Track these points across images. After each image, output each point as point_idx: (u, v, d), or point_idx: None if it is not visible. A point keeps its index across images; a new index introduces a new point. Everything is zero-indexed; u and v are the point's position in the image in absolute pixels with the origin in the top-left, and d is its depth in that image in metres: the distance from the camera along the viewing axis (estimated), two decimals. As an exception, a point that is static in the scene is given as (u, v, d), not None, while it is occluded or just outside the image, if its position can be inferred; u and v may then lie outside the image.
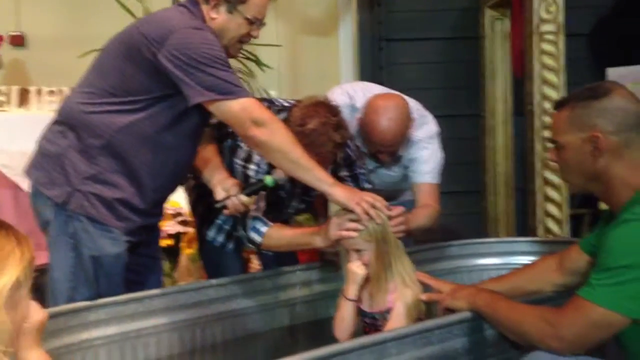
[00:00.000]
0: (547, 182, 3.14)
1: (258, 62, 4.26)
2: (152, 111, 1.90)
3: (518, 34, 3.43)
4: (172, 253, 3.32)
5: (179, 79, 1.82)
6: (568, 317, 1.52)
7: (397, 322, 1.83)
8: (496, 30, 4.04)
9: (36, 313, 1.22)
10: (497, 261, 2.50)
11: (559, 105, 1.70)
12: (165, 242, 3.17)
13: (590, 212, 3.90)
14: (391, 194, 2.62)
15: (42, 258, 2.56)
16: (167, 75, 1.83)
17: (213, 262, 2.39)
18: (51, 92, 4.00)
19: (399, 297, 1.86)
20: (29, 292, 1.18)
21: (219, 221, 2.31)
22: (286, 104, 2.21)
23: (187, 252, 3.40)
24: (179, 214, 3.31)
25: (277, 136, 1.86)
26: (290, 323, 2.22)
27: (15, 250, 1.11)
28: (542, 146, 3.12)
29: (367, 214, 1.86)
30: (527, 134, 3.26)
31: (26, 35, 5.63)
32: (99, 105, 1.89)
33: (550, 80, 3.19)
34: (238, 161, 2.11)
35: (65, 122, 1.93)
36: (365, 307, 1.92)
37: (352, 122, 2.42)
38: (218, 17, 1.94)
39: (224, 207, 2.01)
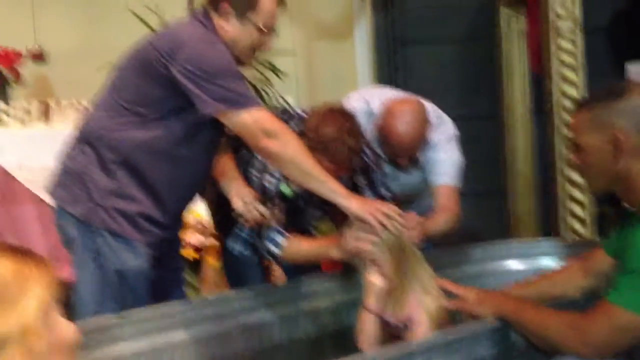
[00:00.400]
0: (569, 181, 3.10)
1: (274, 70, 4.26)
2: (167, 124, 1.92)
3: (534, 30, 3.40)
4: (195, 264, 3.34)
5: (191, 91, 1.83)
6: (595, 322, 1.51)
7: (420, 331, 1.82)
8: (512, 28, 4.00)
9: (66, 329, 1.23)
10: (521, 263, 2.48)
11: (579, 106, 1.69)
12: (189, 254, 3.19)
13: (615, 210, 3.85)
14: (410, 199, 2.62)
15: (67, 272, 2.61)
16: (180, 88, 1.85)
17: (234, 271, 2.41)
18: (72, 105, 4.04)
19: (420, 305, 1.85)
20: (58, 311, 1.19)
21: (237, 231, 2.32)
22: (301, 113, 2.22)
23: (211, 263, 3.41)
24: (201, 225, 3.32)
25: (289, 147, 1.86)
26: (315, 333, 2.22)
27: (35, 273, 1.11)
28: (563, 145, 3.09)
29: (382, 224, 1.85)
30: (547, 132, 3.23)
31: (45, 49, 5.71)
32: (115, 120, 1.91)
33: (569, 77, 3.15)
34: (254, 172, 2.12)
35: (84, 138, 1.96)
36: (388, 317, 1.92)
37: (369, 127, 2.42)
38: (229, 27, 1.95)
39: (242, 216, 2.02)
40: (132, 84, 1.91)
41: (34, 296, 1.09)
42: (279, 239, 2.07)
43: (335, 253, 2.00)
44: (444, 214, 2.33)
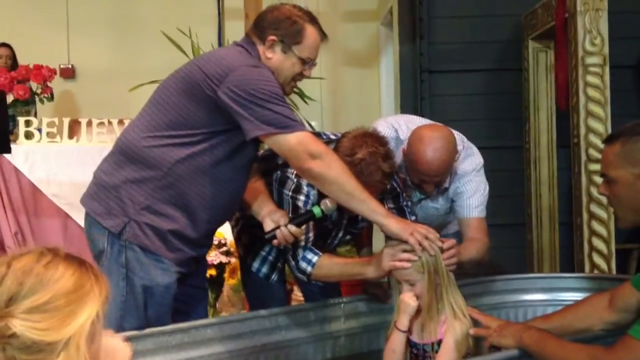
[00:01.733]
0: (593, 216, 3.09)
1: (301, 95, 4.31)
2: (209, 145, 1.95)
3: (562, 66, 3.41)
4: (215, 283, 3.35)
5: (238, 114, 1.88)
6: (618, 356, 1.49)
7: (446, 356, 1.82)
8: (540, 61, 4.02)
9: (123, 349, 1.26)
10: (543, 297, 2.45)
11: (610, 139, 1.69)
12: (207, 272, 3.21)
13: (638, 247, 3.81)
14: (435, 228, 2.61)
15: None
16: (227, 110, 1.90)
17: (256, 293, 2.41)
18: (101, 124, 4.11)
19: (449, 330, 1.85)
20: (103, 326, 1.22)
21: (263, 252, 2.33)
22: (332, 137, 2.25)
23: (230, 282, 3.43)
24: (222, 245, 3.35)
25: (333, 168, 1.90)
26: (332, 356, 2.21)
27: (94, 287, 1.15)
28: (589, 179, 3.08)
29: (421, 245, 1.87)
30: (573, 167, 3.22)
31: (76, 68, 5.84)
32: (159, 138, 1.95)
33: (596, 112, 3.16)
34: (287, 192, 2.14)
35: (123, 153, 1.99)
36: (415, 338, 1.92)
37: (397, 153, 2.44)
38: (273, 56, 2.01)
39: (273, 237, 2.04)
40: (178, 105, 1.95)
41: (87, 310, 1.13)
42: (313, 257, 2.09)
43: (370, 272, 2.01)
44: (475, 243, 2.32)
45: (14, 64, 5.02)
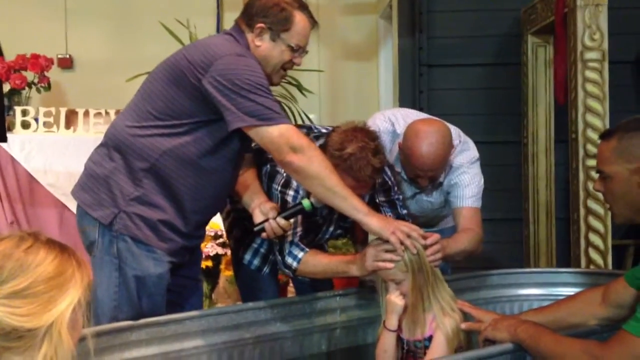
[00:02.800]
0: (590, 212, 3.08)
1: (299, 87, 4.30)
2: (195, 135, 1.94)
3: (561, 61, 3.40)
4: (211, 275, 3.35)
5: (221, 104, 1.86)
6: (613, 352, 1.49)
7: (437, 351, 1.82)
8: (538, 56, 4.01)
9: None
10: (539, 292, 2.46)
11: (605, 135, 1.68)
12: (203, 264, 3.21)
13: (634, 243, 3.81)
14: (430, 222, 2.61)
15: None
16: (211, 100, 1.87)
17: (248, 285, 2.41)
18: (98, 114, 4.09)
19: (439, 326, 1.84)
20: (84, 313, 1.21)
21: (255, 245, 2.33)
22: (324, 130, 2.23)
23: (226, 274, 3.42)
24: (218, 236, 3.34)
25: (314, 163, 1.88)
26: (328, 349, 2.21)
27: (76, 274, 1.14)
28: (586, 175, 3.08)
29: (403, 243, 1.86)
30: (571, 162, 3.22)
31: (74, 58, 5.81)
32: (145, 128, 1.94)
33: (594, 108, 3.15)
34: (276, 187, 2.13)
35: (111, 144, 1.98)
36: (406, 335, 1.91)
37: (393, 148, 2.43)
38: (262, 44, 1.99)
39: (262, 230, 2.03)
40: (164, 94, 1.94)
41: (69, 296, 1.12)
42: (299, 253, 2.08)
43: (354, 271, 2.00)
44: (466, 233, 2.31)
45: None
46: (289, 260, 2.08)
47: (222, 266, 3.40)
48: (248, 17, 2.00)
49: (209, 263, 3.29)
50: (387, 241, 1.89)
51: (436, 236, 1.97)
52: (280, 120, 1.88)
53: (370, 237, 2.59)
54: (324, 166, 1.89)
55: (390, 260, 1.87)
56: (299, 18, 2.00)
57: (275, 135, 1.87)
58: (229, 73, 1.86)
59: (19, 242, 1.13)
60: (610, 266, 3.09)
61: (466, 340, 1.87)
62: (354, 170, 1.99)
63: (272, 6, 1.98)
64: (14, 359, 1.09)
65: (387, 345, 1.90)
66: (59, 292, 1.11)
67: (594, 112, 3.15)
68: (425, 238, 1.91)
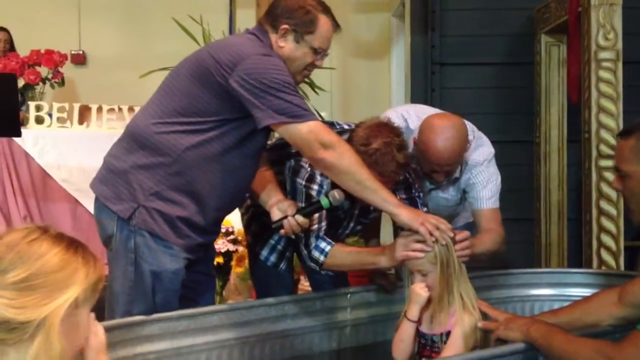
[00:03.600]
0: (602, 212, 3.07)
1: (312, 85, 4.30)
2: (219, 132, 1.95)
3: (574, 60, 3.39)
4: (222, 271, 3.36)
5: (250, 102, 1.88)
6: (626, 352, 1.49)
7: (454, 348, 1.82)
8: (552, 56, 3.99)
9: (99, 333, 1.23)
10: (551, 292, 2.45)
11: (624, 133, 1.68)
12: (215, 260, 3.22)
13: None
14: (446, 219, 2.60)
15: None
16: (238, 98, 1.89)
17: (264, 281, 2.41)
18: (111, 110, 4.12)
19: (458, 322, 1.85)
20: (90, 313, 1.19)
21: (272, 241, 2.33)
22: (346, 127, 2.24)
23: (237, 270, 3.43)
24: (229, 233, 3.35)
25: (344, 158, 1.90)
26: (338, 347, 2.22)
27: (79, 271, 1.13)
28: (599, 176, 3.06)
29: (432, 235, 1.87)
30: (583, 163, 3.20)
31: (87, 54, 5.85)
32: (168, 125, 1.95)
33: (607, 108, 3.13)
34: (301, 181, 2.13)
35: (133, 139, 1.99)
36: (425, 328, 1.92)
37: (407, 143, 2.42)
38: (285, 45, 2.00)
39: (280, 227, 2.04)
40: (189, 91, 1.95)
41: (67, 293, 1.10)
42: (326, 247, 2.09)
43: (383, 262, 2.02)
44: (490, 234, 2.32)
45: (11, 48, 5.05)
46: (316, 253, 2.09)
47: (232, 263, 3.42)
48: (272, 18, 2.02)
49: (220, 259, 3.30)
50: (416, 232, 1.90)
51: (466, 233, 2.01)
52: (309, 117, 1.90)
53: (382, 237, 2.60)
54: (354, 161, 1.91)
55: (421, 250, 1.89)
56: (323, 21, 2.01)
57: (305, 132, 1.89)
58: (255, 72, 1.87)
59: (26, 234, 1.12)
60: (622, 267, 3.07)
61: (482, 339, 1.87)
62: (379, 165, 2.01)
63: (297, 8, 2.00)
64: (7, 350, 1.08)
65: (405, 335, 1.90)
66: (58, 287, 1.10)
67: (607, 112, 3.13)
68: (455, 233, 1.93)
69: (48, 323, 1.08)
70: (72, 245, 1.15)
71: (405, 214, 1.93)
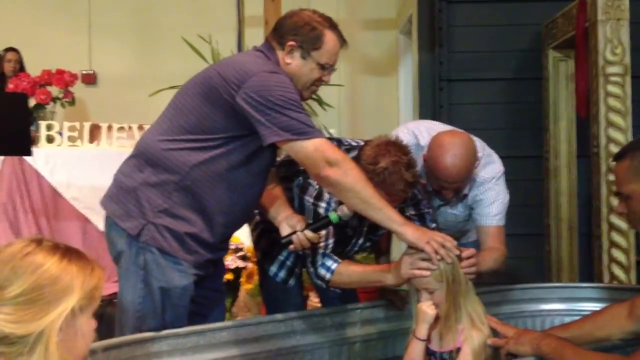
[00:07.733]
0: (613, 227, 3.06)
1: (320, 102, 4.32)
2: (227, 149, 1.96)
3: (583, 75, 3.39)
4: (231, 287, 3.36)
5: (256, 120, 1.89)
6: (637, 367, 1.47)
7: (463, 364, 1.81)
8: (560, 71, 4.00)
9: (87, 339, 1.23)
10: (561, 307, 2.44)
11: (617, 157, 1.69)
12: (224, 277, 3.22)
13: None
14: (454, 235, 2.60)
15: (109, 289, 2.65)
16: (244, 116, 1.91)
17: (273, 297, 2.41)
18: (121, 129, 4.15)
19: (467, 339, 1.84)
20: (91, 319, 1.20)
21: (281, 257, 2.34)
22: (354, 144, 2.25)
23: (246, 287, 3.43)
24: (239, 249, 3.36)
25: (349, 176, 1.90)
26: (348, 362, 2.21)
27: (74, 281, 1.14)
28: (608, 190, 3.05)
29: (437, 253, 1.87)
30: (593, 177, 3.19)
31: (97, 73, 5.91)
32: (177, 142, 1.97)
33: (616, 122, 3.13)
34: (309, 199, 2.14)
35: (142, 157, 2.01)
36: (434, 346, 1.91)
37: (417, 160, 2.43)
38: (292, 62, 2.02)
39: (289, 242, 2.04)
40: (196, 109, 1.97)
41: (63, 304, 1.12)
42: (332, 264, 2.09)
43: (389, 279, 2.01)
44: (493, 252, 2.31)
45: (21, 68, 5.13)
46: (322, 271, 2.08)
47: (242, 279, 3.42)
48: (279, 35, 2.04)
49: (230, 276, 3.30)
50: (422, 251, 1.90)
51: (472, 250, 2.00)
52: (314, 135, 1.91)
53: (394, 253, 2.59)
54: (359, 178, 1.91)
55: (427, 269, 1.88)
56: (330, 37, 2.03)
57: (311, 149, 1.90)
58: (262, 89, 1.89)
59: (20, 248, 1.14)
60: (633, 281, 3.05)
61: (493, 355, 1.85)
62: (387, 184, 2.00)
63: (304, 25, 2.01)
64: None
65: (415, 353, 1.90)
66: (54, 298, 1.11)
67: (616, 126, 3.13)
68: (461, 251, 1.92)
69: (46, 335, 1.10)
70: (66, 255, 1.16)
71: (411, 233, 1.93)
